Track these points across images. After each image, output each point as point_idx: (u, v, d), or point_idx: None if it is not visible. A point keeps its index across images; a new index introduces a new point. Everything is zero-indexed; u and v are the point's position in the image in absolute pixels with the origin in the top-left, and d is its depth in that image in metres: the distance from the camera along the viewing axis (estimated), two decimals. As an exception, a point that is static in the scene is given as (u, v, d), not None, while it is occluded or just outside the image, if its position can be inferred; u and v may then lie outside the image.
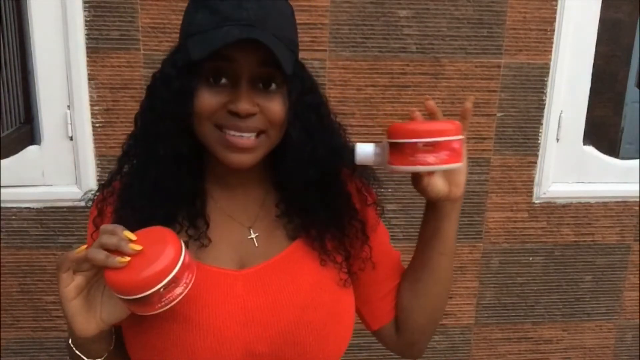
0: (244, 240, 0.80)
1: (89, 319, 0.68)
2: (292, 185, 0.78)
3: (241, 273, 0.77)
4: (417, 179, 0.74)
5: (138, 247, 0.65)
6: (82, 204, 0.87)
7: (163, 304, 0.66)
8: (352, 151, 0.75)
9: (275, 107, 0.73)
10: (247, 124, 0.71)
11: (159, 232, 0.69)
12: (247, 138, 0.72)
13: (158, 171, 0.75)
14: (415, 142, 0.68)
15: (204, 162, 0.79)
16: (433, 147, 0.68)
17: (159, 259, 0.65)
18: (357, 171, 0.84)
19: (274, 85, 0.73)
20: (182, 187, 0.76)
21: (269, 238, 0.81)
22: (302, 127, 0.75)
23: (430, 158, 0.69)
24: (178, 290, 0.66)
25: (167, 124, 0.73)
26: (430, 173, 0.73)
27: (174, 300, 0.66)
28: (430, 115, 0.73)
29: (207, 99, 0.71)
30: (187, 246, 0.76)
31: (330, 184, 0.80)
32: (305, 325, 0.76)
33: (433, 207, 0.79)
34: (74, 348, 0.72)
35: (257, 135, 0.73)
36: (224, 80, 0.72)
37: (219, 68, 0.71)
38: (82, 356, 0.72)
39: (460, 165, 0.72)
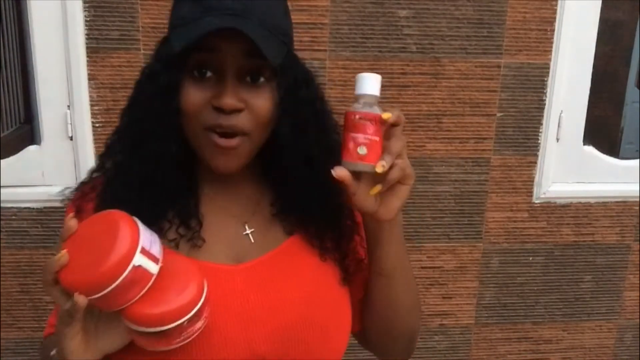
0: (240, 235, 0.77)
1: (87, 351, 0.64)
2: (288, 185, 0.76)
3: (239, 268, 0.74)
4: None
5: (64, 256, 0.60)
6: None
7: (182, 338, 0.62)
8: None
9: (262, 103, 0.69)
10: (230, 122, 0.68)
11: (182, 263, 0.65)
12: (231, 134, 0.69)
13: (146, 169, 0.71)
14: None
15: (196, 158, 0.75)
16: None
17: (184, 290, 0.61)
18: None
19: (262, 79, 0.69)
20: (172, 184, 0.72)
21: (265, 234, 0.78)
22: (294, 124, 0.72)
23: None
24: (199, 324, 0.63)
25: (155, 121, 0.70)
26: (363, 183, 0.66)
27: (193, 334, 0.63)
28: None
29: (192, 95, 0.68)
30: (177, 245, 0.73)
31: (325, 182, 0.76)
32: (308, 323, 0.74)
33: (364, 223, 0.74)
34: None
35: (240, 135, 0.70)
36: (208, 74, 0.68)
37: (203, 60, 0.68)
38: None
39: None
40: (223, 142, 0.69)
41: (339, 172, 0.65)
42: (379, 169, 0.63)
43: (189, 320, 0.61)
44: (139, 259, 0.59)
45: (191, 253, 0.74)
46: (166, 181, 0.72)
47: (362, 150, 0.64)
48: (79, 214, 0.73)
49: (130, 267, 0.58)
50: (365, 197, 0.67)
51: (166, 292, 0.61)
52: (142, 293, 0.60)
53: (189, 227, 0.74)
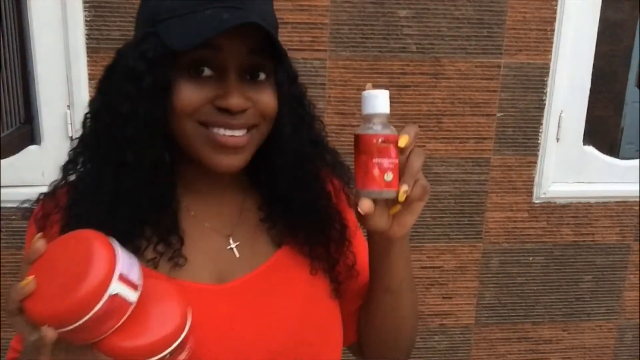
0: (223, 250, 0.71)
1: None
2: (278, 185, 0.71)
3: (224, 287, 0.68)
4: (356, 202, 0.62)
5: (30, 284, 0.52)
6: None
7: None
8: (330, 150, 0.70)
9: (268, 99, 0.65)
10: (238, 121, 0.63)
11: (163, 288, 0.59)
12: (240, 136, 0.64)
13: (121, 181, 0.64)
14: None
15: (172, 166, 0.68)
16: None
17: (166, 320, 0.55)
18: (336, 169, 0.77)
19: (262, 76, 0.65)
20: (150, 197, 0.65)
21: (251, 246, 0.72)
22: (291, 121, 0.69)
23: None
24: (182, 356, 0.57)
25: (137, 126, 0.62)
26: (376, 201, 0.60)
27: None
28: None
29: (189, 94, 0.62)
30: (157, 265, 0.67)
31: (314, 181, 0.73)
32: (300, 344, 0.69)
33: (371, 240, 0.70)
34: None
35: (248, 130, 0.65)
36: (206, 72, 0.62)
37: (203, 58, 0.62)
38: None
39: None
40: (232, 140, 0.64)
41: (365, 207, 0.59)
42: (402, 198, 0.59)
43: (172, 352, 0.55)
44: (116, 287, 0.52)
45: (172, 273, 0.68)
46: (143, 195, 0.65)
47: (389, 177, 0.58)
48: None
49: (106, 297, 0.51)
50: (379, 218, 0.62)
51: (146, 321, 0.54)
52: (119, 324, 0.53)
53: (169, 245, 0.67)
